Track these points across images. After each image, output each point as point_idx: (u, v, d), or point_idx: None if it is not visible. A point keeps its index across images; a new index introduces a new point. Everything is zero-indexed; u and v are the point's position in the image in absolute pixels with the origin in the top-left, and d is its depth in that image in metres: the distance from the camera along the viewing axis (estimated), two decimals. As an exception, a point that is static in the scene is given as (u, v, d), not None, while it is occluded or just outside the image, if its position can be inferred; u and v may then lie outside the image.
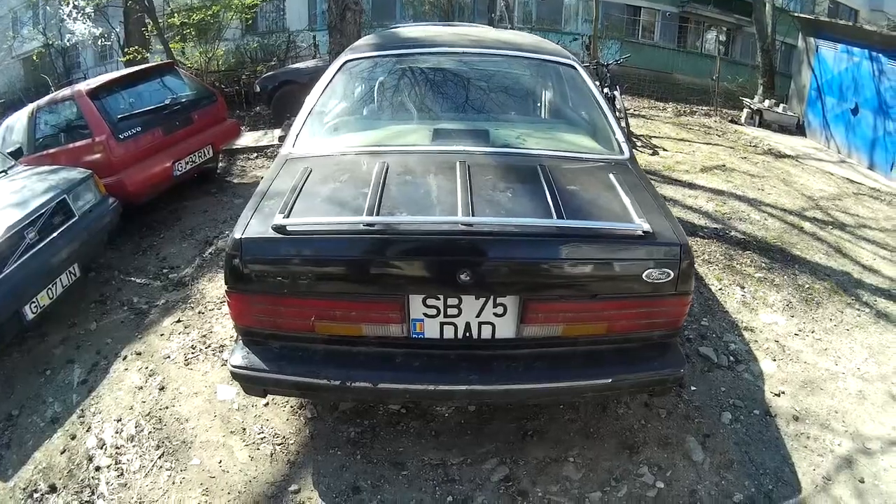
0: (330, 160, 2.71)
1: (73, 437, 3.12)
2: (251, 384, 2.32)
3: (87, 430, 3.16)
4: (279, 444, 2.86)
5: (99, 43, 15.88)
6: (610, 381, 2.12)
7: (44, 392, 3.45)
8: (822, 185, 6.81)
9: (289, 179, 2.43)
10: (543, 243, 2.03)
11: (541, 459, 2.61)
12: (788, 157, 7.71)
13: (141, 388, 3.46)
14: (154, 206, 5.91)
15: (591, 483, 2.55)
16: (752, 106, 10.29)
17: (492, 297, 2.07)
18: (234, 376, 2.29)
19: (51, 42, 17.68)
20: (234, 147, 7.53)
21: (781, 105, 10.21)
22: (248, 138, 8.03)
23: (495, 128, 2.90)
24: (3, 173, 4.54)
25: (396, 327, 2.17)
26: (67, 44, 17.76)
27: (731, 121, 10.27)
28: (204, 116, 6.21)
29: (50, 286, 3.84)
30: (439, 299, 2.08)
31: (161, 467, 2.85)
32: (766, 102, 10.36)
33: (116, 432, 3.14)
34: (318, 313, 2.19)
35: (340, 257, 2.10)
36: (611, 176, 2.40)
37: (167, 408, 3.28)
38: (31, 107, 5.76)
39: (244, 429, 3.00)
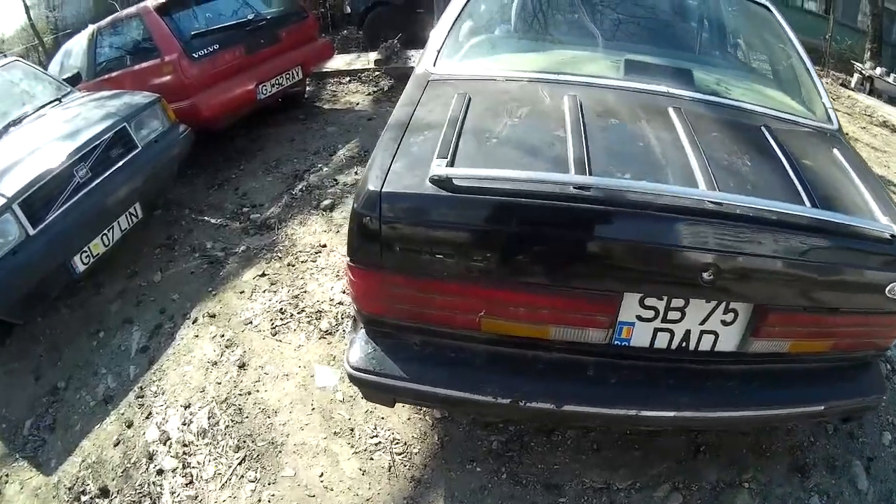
0: (493, 86, 2.13)
1: (130, 426, 2.47)
2: (378, 392, 1.82)
3: (147, 417, 2.49)
4: (399, 454, 2.21)
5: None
6: (822, 408, 1.84)
7: (96, 360, 2.87)
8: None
9: (440, 109, 1.90)
10: (796, 237, 1.61)
11: (715, 485, 2.16)
12: (906, 130, 6.89)
13: (215, 363, 2.64)
14: (233, 134, 5.27)
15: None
16: (863, 71, 9.37)
17: (725, 301, 1.68)
18: (354, 380, 1.77)
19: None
20: (324, 70, 6.79)
21: (892, 75, 9.20)
22: (338, 61, 7.25)
23: (697, 69, 2.36)
24: (57, 101, 3.97)
25: (598, 332, 1.70)
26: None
27: (842, 84, 9.34)
28: (292, 34, 5.53)
29: (105, 232, 3.27)
30: (662, 300, 1.66)
31: (242, 477, 2.18)
32: (878, 70, 9.41)
33: (184, 423, 2.41)
34: (491, 307, 1.67)
35: (534, 231, 1.59)
36: (836, 152, 2.00)
37: (249, 393, 2.46)
38: (91, 28, 5.23)
39: (352, 429, 2.31)
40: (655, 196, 1.55)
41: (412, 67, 2.57)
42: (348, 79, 6.80)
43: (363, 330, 1.79)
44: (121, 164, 3.40)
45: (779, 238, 1.59)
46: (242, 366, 2.57)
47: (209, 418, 2.37)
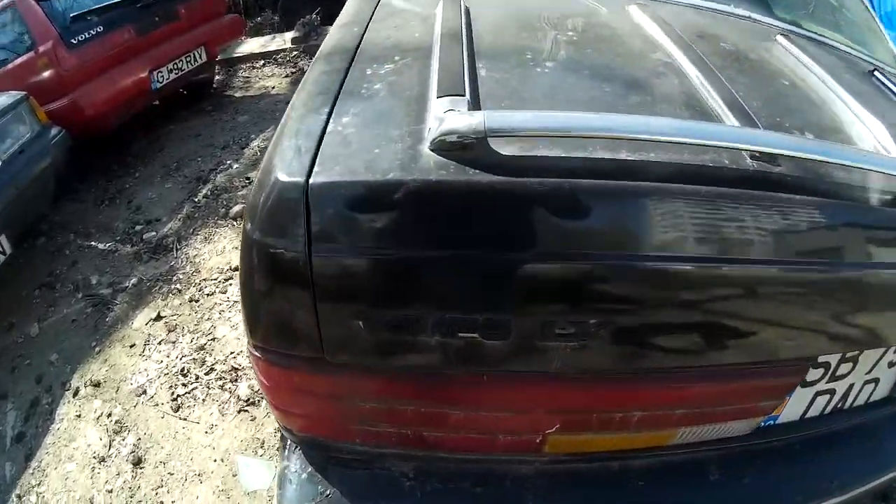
0: None
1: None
2: None
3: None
4: None
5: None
6: None
7: None
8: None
9: (418, 25, 1.17)
10: None
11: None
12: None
13: (103, 459, 1.97)
14: (128, 135, 4.50)
15: None
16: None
17: None
18: None
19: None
20: (235, 55, 6.10)
21: None
22: (251, 44, 6.62)
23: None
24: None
25: (750, 422, 1.04)
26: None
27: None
28: (193, 10, 4.79)
29: None
30: (838, 353, 1.01)
31: None
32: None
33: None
34: (572, 420, 0.92)
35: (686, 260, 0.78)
36: None
37: None
38: None
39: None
40: (882, 174, 0.84)
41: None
42: (262, 62, 6.14)
43: (300, 455, 1.00)
44: (-29, 188, 2.64)
45: None
46: (138, 462, 1.89)
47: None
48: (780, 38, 1.36)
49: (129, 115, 4.36)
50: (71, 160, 3.42)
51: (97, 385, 2.24)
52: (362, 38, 1.10)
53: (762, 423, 1.07)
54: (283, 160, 0.74)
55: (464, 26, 1.08)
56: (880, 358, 1.09)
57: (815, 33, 1.61)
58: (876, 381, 1.15)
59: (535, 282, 0.74)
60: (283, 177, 0.71)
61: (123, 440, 1.98)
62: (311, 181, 0.70)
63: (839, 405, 1.14)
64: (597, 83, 0.97)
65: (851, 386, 1.12)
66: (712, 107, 0.92)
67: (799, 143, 0.84)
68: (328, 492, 0.94)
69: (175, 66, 4.49)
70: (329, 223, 0.70)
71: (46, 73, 3.86)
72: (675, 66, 1.06)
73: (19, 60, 3.97)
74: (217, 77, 5.70)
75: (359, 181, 0.70)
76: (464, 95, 0.80)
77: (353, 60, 0.99)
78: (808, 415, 1.12)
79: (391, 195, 0.69)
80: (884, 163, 0.82)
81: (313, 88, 0.91)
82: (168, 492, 1.81)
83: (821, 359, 1.00)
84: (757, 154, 0.80)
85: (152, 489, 1.82)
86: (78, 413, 2.14)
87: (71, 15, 4.05)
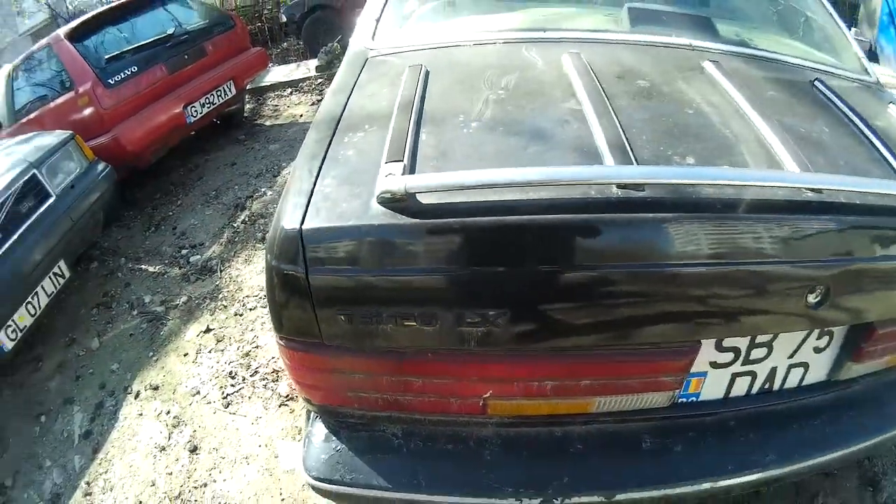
0: (459, 54, 1.63)
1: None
2: None
3: (96, 525, 2.09)
4: None
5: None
6: None
7: (39, 450, 2.47)
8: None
9: (387, 92, 1.42)
10: None
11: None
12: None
13: (163, 448, 2.26)
14: (168, 165, 4.83)
15: None
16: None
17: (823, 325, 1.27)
18: (320, 493, 1.28)
19: (55, 11, 16.36)
20: (263, 85, 6.40)
21: (853, 28, 8.90)
22: (277, 73, 6.86)
23: (714, 17, 1.89)
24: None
25: (660, 395, 1.26)
26: (72, 8, 16.39)
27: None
28: (220, 46, 5.06)
29: (29, 300, 2.85)
30: (746, 337, 1.23)
31: None
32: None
33: (135, 530, 2.02)
34: (502, 387, 1.21)
35: (566, 266, 1.06)
36: (892, 109, 1.60)
37: (205, 485, 2.09)
38: (7, 67, 4.69)
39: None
40: (739, 188, 1.07)
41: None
42: (289, 90, 6.39)
43: (320, 422, 1.31)
44: (33, 218, 2.98)
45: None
46: (194, 449, 2.20)
47: (162, 521, 2.02)
48: (706, 64, 1.48)
49: (167, 149, 4.62)
50: (118, 191, 3.70)
51: (156, 388, 2.54)
52: (345, 106, 1.38)
53: (680, 398, 1.28)
54: (287, 212, 1.07)
55: (418, 93, 1.33)
56: (801, 344, 1.26)
57: (762, 49, 1.72)
58: (804, 365, 1.31)
59: (446, 287, 1.05)
60: (286, 224, 1.04)
61: (181, 432, 2.28)
62: (304, 227, 1.03)
63: (766, 387, 1.33)
64: (508, 137, 1.21)
65: (775, 370, 1.30)
66: (598, 147, 1.13)
67: (665, 171, 1.08)
68: (339, 448, 1.26)
69: (207, 101, 4.75)
70: (318, 254, 1.03)
71: (87, 112, 4.14)
72: (580, 113, 1.25)
73: (60, 100, 4.25)
74: (248, 105, 5.93)
75: (333, 226, 1.03)
76: (402, 161, 1.09)
77: (335, 129, 1.29)
78: (733, 394, 1.31)
79: (352, 235, 1.02)
80: (737, 176, 1.05)
81: (307, 153, 1.24)
82: (220, 472, 2.10)
83: (727, 343, 1.21)
84: (625, 183, 1.03)
85: (206, 471, 2.11)
86: (140, 412, 2.45)
87: (106, 56, 4.33)
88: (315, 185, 1.11)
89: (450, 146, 1.17)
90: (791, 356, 1.29)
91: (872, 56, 7.89)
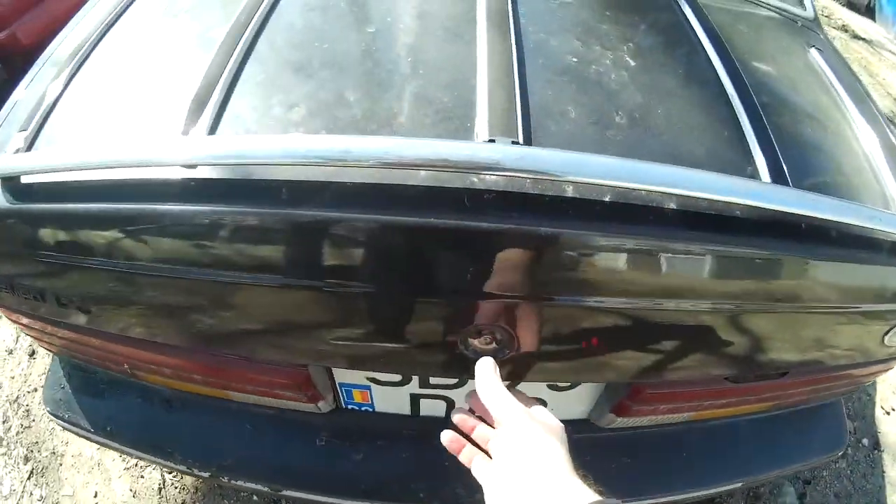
0: None
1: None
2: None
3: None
4: (171, 474, 1.84)
5: None
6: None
7: None
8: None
9: None
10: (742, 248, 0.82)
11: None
12: (863, 40, 6.25)
13: (11, 351, 2.19)
14: None
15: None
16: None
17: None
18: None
19: None
20: None
21: None
22: None
23: None
24: None
25: (305, 405, 1.24)
26: None
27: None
28: None
29: None
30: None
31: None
32: (842, -30, 8.58)
33: None
34: (133, 363, 1.15)
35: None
36: (813, 56, 1.30)
37: (35, 390, 2.04)
38: None
39: None
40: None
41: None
42: None
43: (56, 361, 1.38)
44: None
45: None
46: (32, 353, 2.13)
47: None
48: None
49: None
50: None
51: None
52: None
53: (349, 405, 1.21)
54: None
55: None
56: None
57: None
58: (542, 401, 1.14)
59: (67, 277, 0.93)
60: None
61: (26, 336, 2.23)
62: None
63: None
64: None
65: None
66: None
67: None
68: (63, 388, 1.33)
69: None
70: None
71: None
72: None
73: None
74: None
75: None
76: (26, 130, 0.91)
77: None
78: (426, 414, 1.23)
79: None
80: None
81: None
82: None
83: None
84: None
85: (38, 375, 2.07)
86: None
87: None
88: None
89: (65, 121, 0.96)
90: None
91: (869, 12, 7.21)
